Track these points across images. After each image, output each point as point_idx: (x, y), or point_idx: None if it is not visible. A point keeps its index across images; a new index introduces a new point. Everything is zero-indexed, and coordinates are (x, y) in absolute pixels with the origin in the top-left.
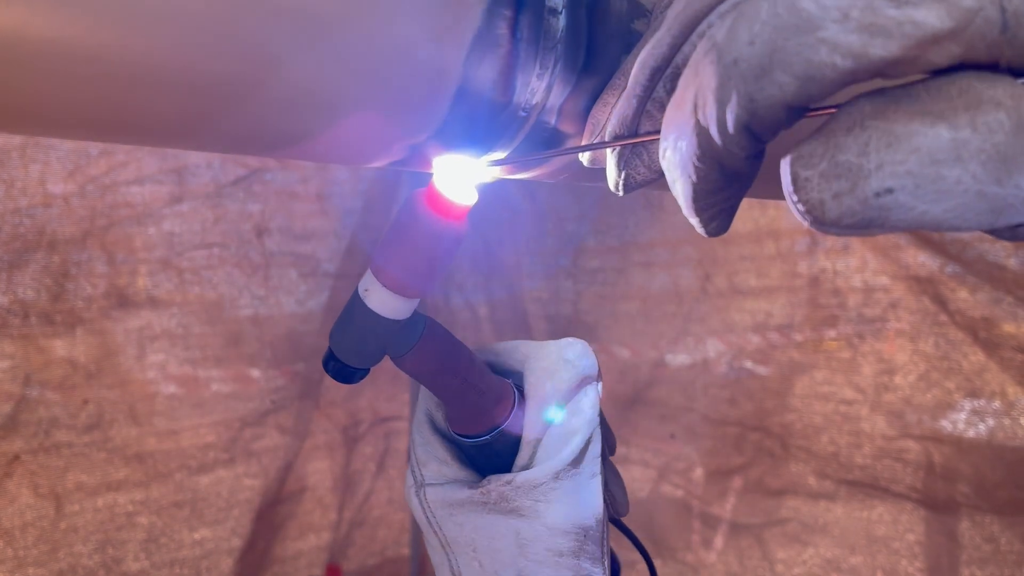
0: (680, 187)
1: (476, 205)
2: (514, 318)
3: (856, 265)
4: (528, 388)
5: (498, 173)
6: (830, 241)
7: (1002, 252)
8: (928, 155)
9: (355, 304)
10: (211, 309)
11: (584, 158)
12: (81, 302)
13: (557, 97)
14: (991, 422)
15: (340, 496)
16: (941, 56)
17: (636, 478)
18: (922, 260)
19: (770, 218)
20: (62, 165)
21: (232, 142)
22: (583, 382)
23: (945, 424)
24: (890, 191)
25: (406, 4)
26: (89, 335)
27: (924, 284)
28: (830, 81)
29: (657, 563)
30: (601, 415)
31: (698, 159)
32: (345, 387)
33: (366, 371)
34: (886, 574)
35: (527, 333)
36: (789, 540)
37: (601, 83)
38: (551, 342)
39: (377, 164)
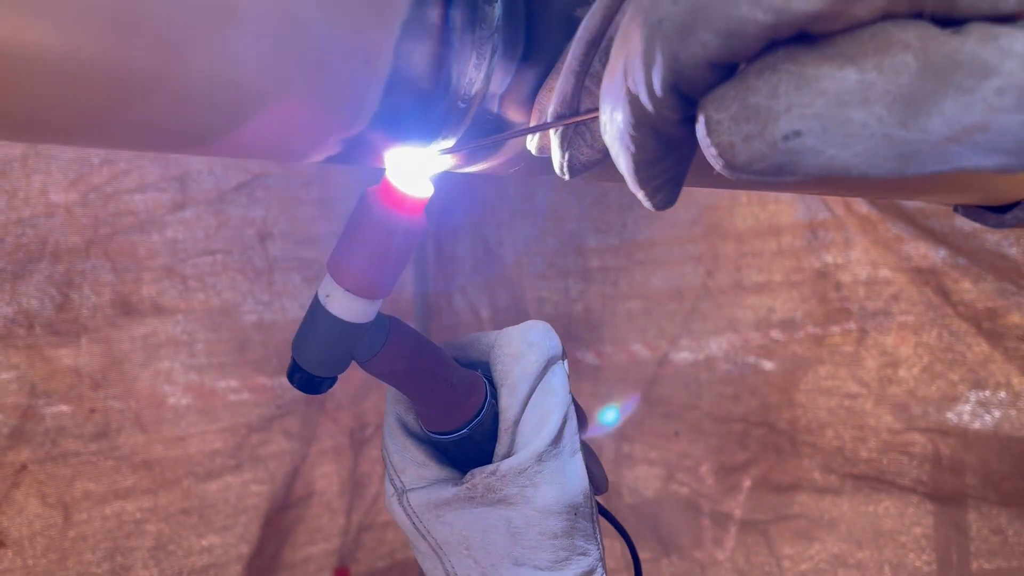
0: (622, 160)
1: (477, 205)
2: (517, 319)
3: (857, 258)
4: (497, 375)
5: (447, 164)
6: (831, 235)
7: (1005, 242)
8: (835, 97)
9: (317, 312)
10: (216, 315)
11: (532, 146)
12: (86, 311)
13: (498, 87)
14: (997, 413)
15: (348, 500)
16: (864, 9)
17: (641, 476)
18: (924, 251)
19: (770, 213)
20: (64, 174)
21: (141, 138)
22: (549, 362)
23: (951, 416)
24: (798, 134)
25: None
26: (94, 344)
27: (926, 275)
28: (752, 36)
29: (666, 562)
30: (573, 397)
31: (633, 127)
32: (352, 391)
33: (334, 380)
34: (893, 568)
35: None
36: (795, 536)
37: (543, 72)
38: (512, 328)
39: (315, 159)
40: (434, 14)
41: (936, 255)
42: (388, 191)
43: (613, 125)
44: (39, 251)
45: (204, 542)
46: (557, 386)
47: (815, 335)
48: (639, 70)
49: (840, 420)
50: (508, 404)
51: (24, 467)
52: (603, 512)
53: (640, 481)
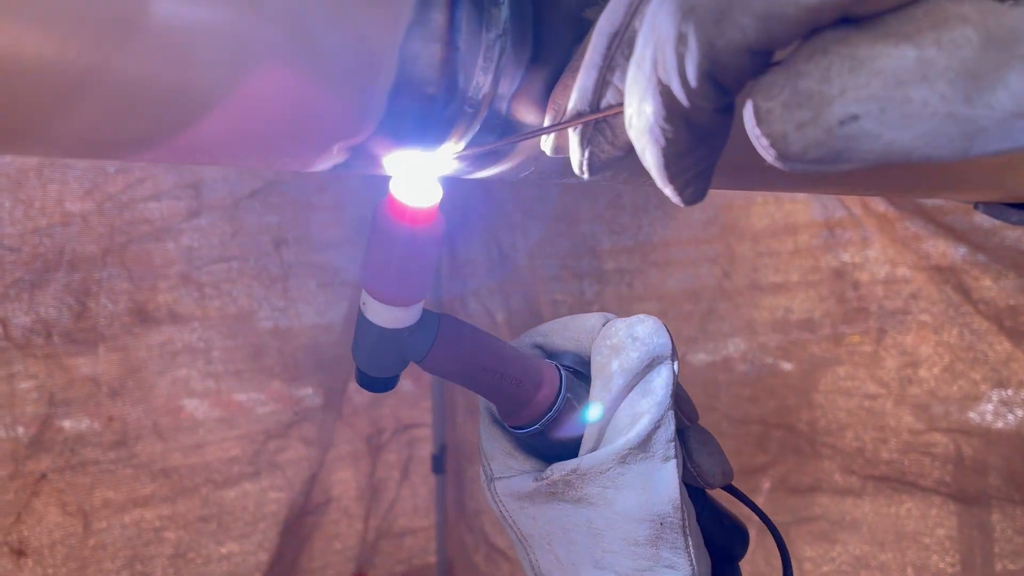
0: (650, 154)
1: (491, 209)
2: (532, 321)
3: (876, 257)
4: (594, 366)
5: (456, 168)
6: (849, 234)
7: None
8: (893, 77)
9: (360, 318)
10: (232, 322)
11: (548, 147)
12: (103, 319)
13: (506, 91)
14: (1020, 412)
15: (365, 505)
16: None
17: None
18: (943, 249)
19: (786, 212)
20: (79, 184)
21: (104, 142)
22: (654, 361)
23: (973, 416)
24: (855, 118)
25: None
26: (112, 352)
27: (946, 274)
28: (793, 19)
29: None
30: (680, 389)
31: (664, 119)
32: (368, 396)
33: (395, 378)
34: (917, 570)
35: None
36: (816, 538)
37: (553, 73)
38: (620, 319)
39: (322, 167)
40: (440, 17)
41: (955, 253)
42: (395, 205)
43: (641, 118)
44: (56, 260)
45: (223, 549)
46: (657, 388)
47: (833, 335)
48: (671, 58)
49: (860, 421)
50: (599, 398)
51: (44, 476)
52: (742, 498)
53: None
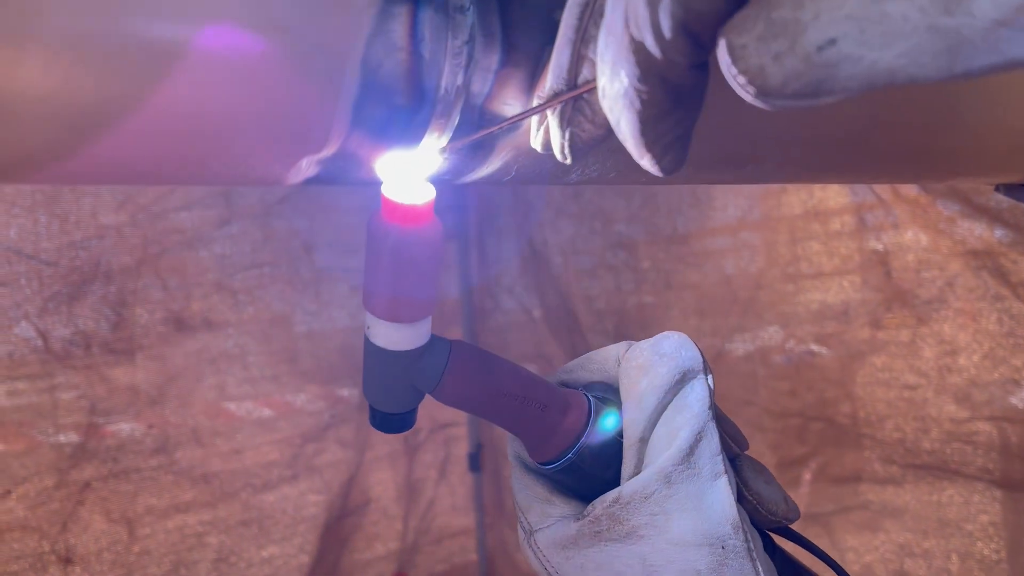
0: (625, 122)
1: (518, 206)
2: (567, 318)
3: (909, 243)
4: (623, 389)
5: (438, 171)
6: (881, 221)
7: None
8: None
9: (367, 349)
10: (266, 328)
11: (537, 143)
12: (140, 329)
13: (476, 97)
14: None
15: (404, 506)
16: None
17: None
18: (979, 232)
19: (818, 200)
20: (113, 196)
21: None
22: (686, 376)
23: (1015, 402)
24: (832, 42)
25: (284, 9)
26: (150, 361)
27: (982, 258)
28: None
29: None
30: (720, 411)
31: (639, 79)
32: None
33: (412, 414)
34: (961, 557)
35: (580, 333)
36: (858, 527)
37: (525, 75)
38: (644, 340)
39: (293, 182)
40: (401, 27)
41: (991, 235)
42: (386, 206)
43: (615, 83)
44: (92, 272)
45: (265, 553)
46: (693, 402)
47: (870, 325)
48: (644, 11)
49: (900, 412)
50: (633, 420)
51: (88, 485)
52: (793, 537)
53: None
